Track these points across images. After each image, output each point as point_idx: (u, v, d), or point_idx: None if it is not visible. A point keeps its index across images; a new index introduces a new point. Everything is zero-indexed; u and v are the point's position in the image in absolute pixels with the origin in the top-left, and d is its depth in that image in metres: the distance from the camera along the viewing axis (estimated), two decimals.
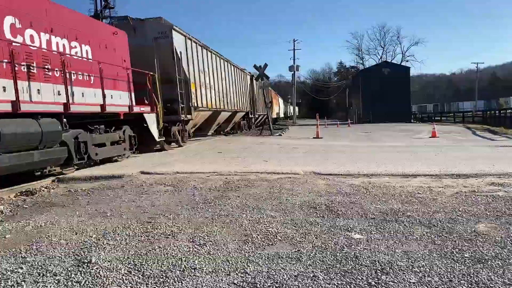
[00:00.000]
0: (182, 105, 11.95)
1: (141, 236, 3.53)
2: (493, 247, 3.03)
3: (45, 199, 5.23)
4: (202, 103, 13.91)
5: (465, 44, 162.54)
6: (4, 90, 5.58)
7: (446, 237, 3.29)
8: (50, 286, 2.56)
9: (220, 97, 16.76)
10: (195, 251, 3.12)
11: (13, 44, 5.71)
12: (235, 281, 2.55)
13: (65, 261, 2.96)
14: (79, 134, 7.26)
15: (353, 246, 3.13)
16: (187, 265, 2.84)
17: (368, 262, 2.81)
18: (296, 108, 56.47)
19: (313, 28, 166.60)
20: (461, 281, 2.46)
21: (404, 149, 11.11)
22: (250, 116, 24.28)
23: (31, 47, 6.20)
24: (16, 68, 5.69)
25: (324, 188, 5.40)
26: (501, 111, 28.54)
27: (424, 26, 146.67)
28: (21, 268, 2.85)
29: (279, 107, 43.50)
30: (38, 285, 2.58)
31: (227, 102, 17.98)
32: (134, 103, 9.51)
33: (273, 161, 8.45)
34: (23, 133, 5.66)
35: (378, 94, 41.43)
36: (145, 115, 9.87)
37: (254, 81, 24.97)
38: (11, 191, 5.58)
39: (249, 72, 24.40)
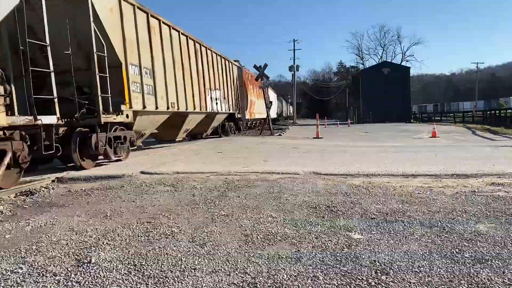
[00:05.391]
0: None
1: (141, 236, 3.53)
2: (493, 247, 3.03)
3: (45, 199, 5.23)
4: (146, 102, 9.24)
5: (465, 44, 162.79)
6: None
7: (446, 237, 3.29)
8: (50, 286, 2.55)
9: (188, 94, 12.21)
10: (195, 251, 3.12)
11: None
12: (235, 281, 2.55)
13: (65, 261, 2.96)
14: None
15: (353, 246, 3.13)
16: (187, 265, 2.83)
17: (368, 262, 2.80)
18: (296, 108, 56.44)
19: (313, 28, 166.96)
20: (461, 281, 2.46)
21: (404, 149, 11.10)
22: (236, 116, 19.53)
23: None
24: None
25: (324, 188, 5.40)
26: (501, 111, 28.49)
27: (424, 26, 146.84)
28: (21, 268, 2.85)
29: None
30: (38, 285, 2.58)
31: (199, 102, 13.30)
32: None
33: (273, 161, 8.44)
34: None
35: (378, 94, 41.52)
36: None
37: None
38: (11, 191, 5.58)
39: (236, 62, 19.55)
